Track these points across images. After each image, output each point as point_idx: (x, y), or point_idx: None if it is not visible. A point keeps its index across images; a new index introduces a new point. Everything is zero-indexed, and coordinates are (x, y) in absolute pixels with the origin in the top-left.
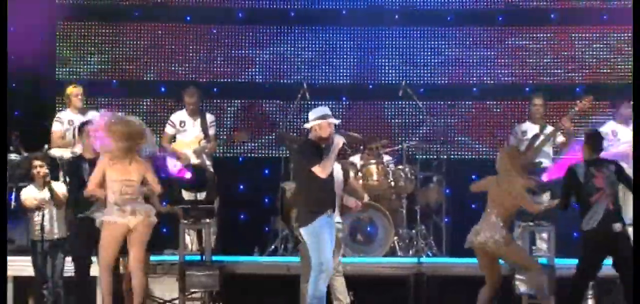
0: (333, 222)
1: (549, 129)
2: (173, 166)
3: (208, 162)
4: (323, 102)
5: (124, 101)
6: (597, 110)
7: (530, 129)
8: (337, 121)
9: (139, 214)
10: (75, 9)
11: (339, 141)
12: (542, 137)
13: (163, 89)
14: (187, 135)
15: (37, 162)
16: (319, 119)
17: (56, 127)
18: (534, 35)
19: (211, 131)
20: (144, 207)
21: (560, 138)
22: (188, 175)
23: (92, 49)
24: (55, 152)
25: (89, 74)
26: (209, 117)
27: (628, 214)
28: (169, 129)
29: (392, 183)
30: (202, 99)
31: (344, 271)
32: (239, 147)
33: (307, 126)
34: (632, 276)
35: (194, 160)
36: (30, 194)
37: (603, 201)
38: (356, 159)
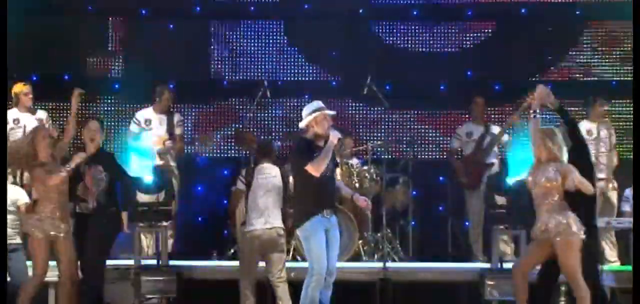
0: (331, 224)
1: (496, 128)
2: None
3: (172, 163)
4: (285, 100)
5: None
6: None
7: (475, 130)
8: (332, 112)
9: None
10: (26, 2)
11: (334, 137)
12: (489, 138)
13: (117, 86)
14: (153, 134)
15: None
16: (315, 112)
17: None
18: (503, 30)
19: (178, 131)
20: None
21: (505, 137)
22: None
23: (45, 43)
24: None
25: (41, 68)
26: (176, 117)
27: None
28: (133, 128)
29: (357, 185)
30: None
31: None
32: (197, 147)
33: (302, 125)
34: None
35: (157, 161)
36: None
37: None
38: None
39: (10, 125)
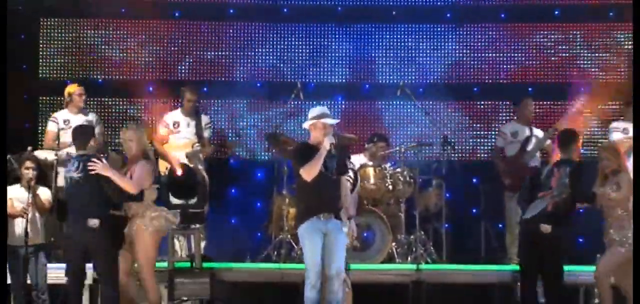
0: (329, 228)
1: (540, 132)
2: (165, 168)
3: (201, 167)
4: (318, 102)
5: (109, 99)
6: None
7: (521, 131)
8: (332, 121)
9: None
10: (59, 4)
11: (326, 143)
12: (534, 141)
13: (150, 88)
14: (181, 137)
15: (29, 163)
16: (313, 120)
17: (51, 127)
18: (537, 32)
19: (206, 134)
20: None
21: (547, 142)
22: (179, 172)
23: (77, 46)
24: (39, 154)
25: (74, 72)
26: (204, 119)
27: None
28: (162, 130)
29: (390, 187)
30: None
31: None
32: (230, 149)
33: (304, 125)
34: (552, 286)
35: (186, 163)
36: (15, 195)
37: (546, 199)
38: (356, 159)
39: (61, 125)
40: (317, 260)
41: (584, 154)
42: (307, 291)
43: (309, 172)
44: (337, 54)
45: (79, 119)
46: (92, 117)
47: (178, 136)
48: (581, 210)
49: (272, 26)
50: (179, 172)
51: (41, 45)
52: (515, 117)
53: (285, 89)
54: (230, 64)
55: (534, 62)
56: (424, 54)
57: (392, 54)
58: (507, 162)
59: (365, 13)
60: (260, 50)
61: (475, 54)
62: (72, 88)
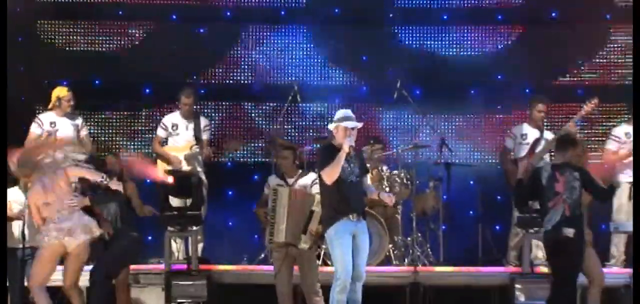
0: (358, 228)
1: (550, 135)
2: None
3: (199, 169)
4: (315, 105)
5: (106, 102)
6: (610, 113)
7: (531, 133)
8: (352, 125)
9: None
10: (56, 7)
11: (345, 146)
12: (543, 144)
13: (148, 90)
14: (179, 139)
15: None
16: (335, 122)
17: (34, 129)
18: (534, 34)
19: (205, 136)
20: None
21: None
22: (169, 180)
23: (74, 48)
24: None
25: (71, 74)
26: (203, 121)
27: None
28: (160, 132)
29: (387, 189)
30: (197, 102)
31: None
32: (227, 152)
33: (330, 127)
34: (569, 288)
35: (185, 166)
36: (13, 198)
37: (559, 206)
38: None
39: (47, 128)
40: (349, 260)
41: None
42: (335, 294)
43: (330, 175)
44: (334, 56)
45: (66, 122)
46: (79, 121)
47: (177, 138)
48: None
49: (269, 28)
50: (169, 180)
51: (39, 48)
52: (526, 119)
53: (283, 92)
54: (229, 66)
55: (530, 63)
56: (421, 56)
57: (388, 57)
58: (516, 165)
59: (362, 15)
60: (258, 52)
61: (472, 56)
62: (61, 92)
